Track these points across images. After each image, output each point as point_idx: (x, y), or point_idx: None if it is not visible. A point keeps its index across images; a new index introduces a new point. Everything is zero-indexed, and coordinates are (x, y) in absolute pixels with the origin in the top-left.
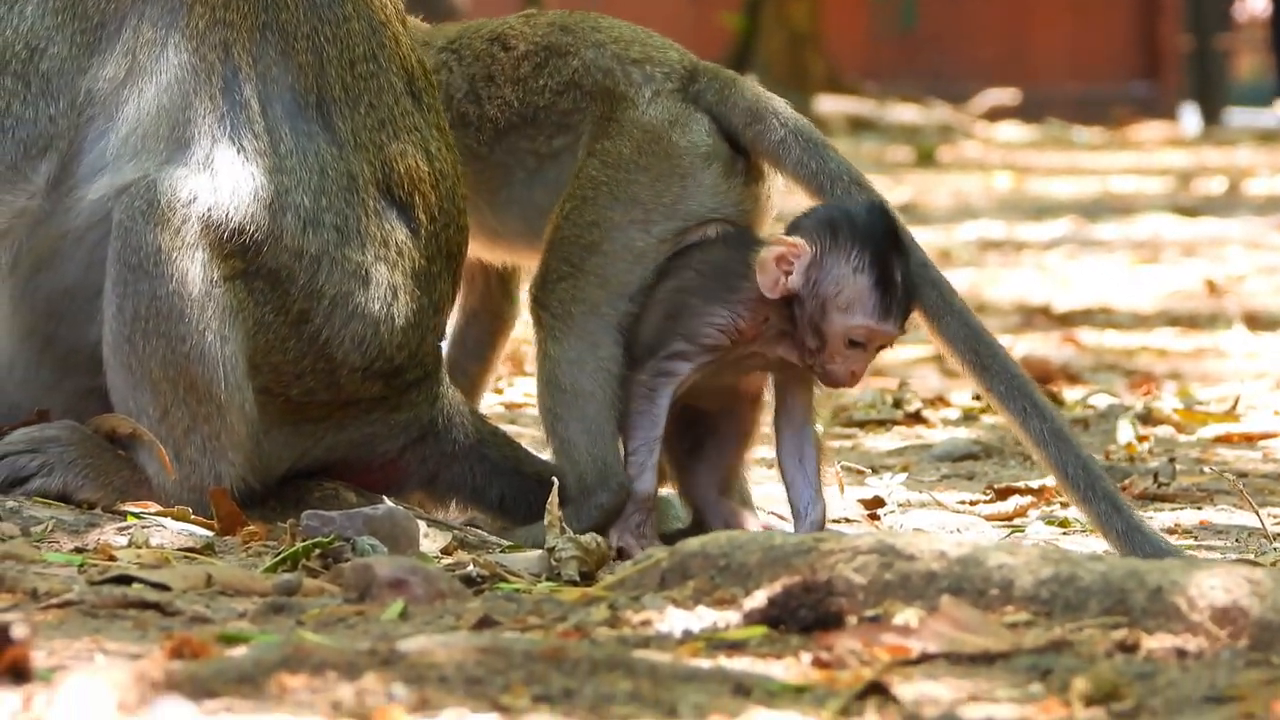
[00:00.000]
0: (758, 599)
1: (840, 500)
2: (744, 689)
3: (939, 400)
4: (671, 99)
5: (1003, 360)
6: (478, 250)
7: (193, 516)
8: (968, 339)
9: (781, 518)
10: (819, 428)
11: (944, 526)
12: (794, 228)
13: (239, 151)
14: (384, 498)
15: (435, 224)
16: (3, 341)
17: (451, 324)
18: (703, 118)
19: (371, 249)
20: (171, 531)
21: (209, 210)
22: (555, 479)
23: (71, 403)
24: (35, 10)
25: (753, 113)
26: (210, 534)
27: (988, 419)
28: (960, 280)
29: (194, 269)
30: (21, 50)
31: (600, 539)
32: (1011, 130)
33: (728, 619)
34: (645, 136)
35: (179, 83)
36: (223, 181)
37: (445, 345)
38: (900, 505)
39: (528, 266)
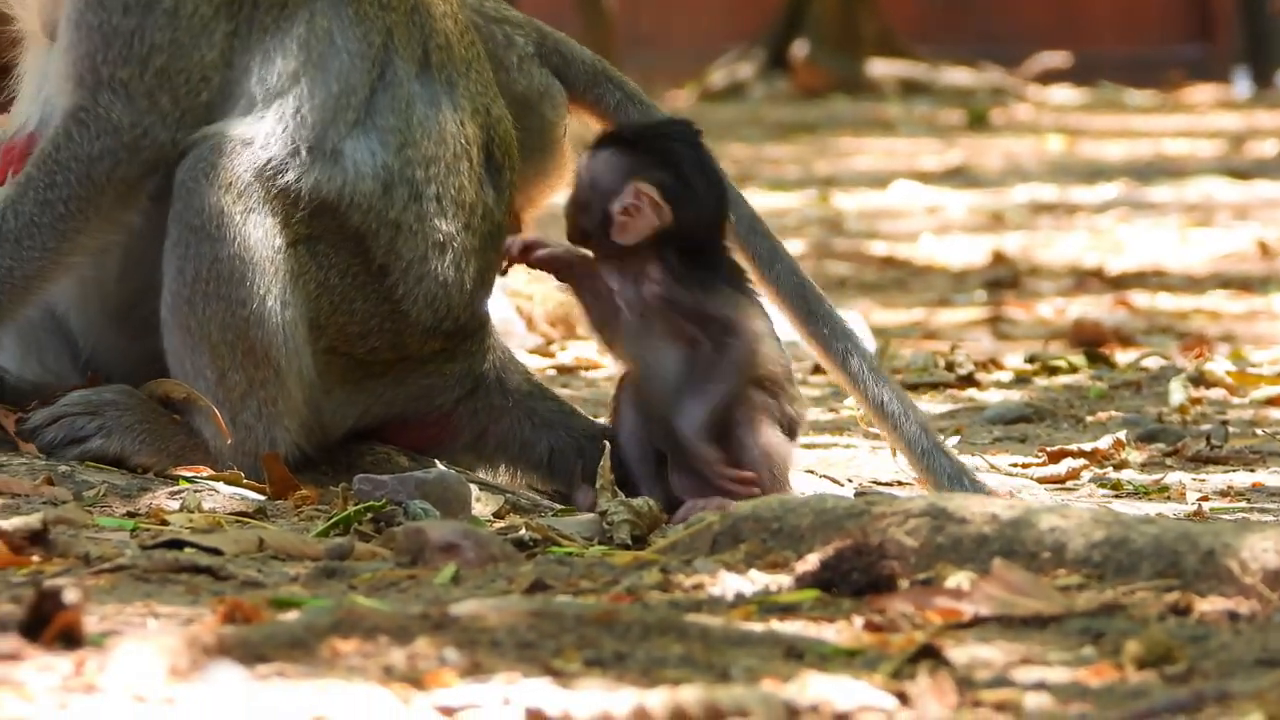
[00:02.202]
0: (809, 562)
1: (893, 464)
2: (796, 652)
3: (991, 363)
4: (535, 65)
5: (827, 308)
6: None
7: (245, 481)
8: (795, 287)
9: (835, 481)
10: None
11: (996, 489)
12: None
13: (373, 127)
14: (436, 461)
15: (511, 183)
16: (73, 296)
17: None
18: (559, 86)
19: (461, 216)
20: (223, 496)
21: (285, 177)
22: (607, 441)
23: (135, 366)
24: (223, 42)
25: (592, 76)
26: (262, 498)
27: (1040, 382)
28: (1012, 244)
29: (256, 233)
30: (197, 81)
31: (652, 502)
32: (1063, 93)
33: (780, 582)
34: (517, 109)
35: (346, 70)
36: (346, 160)
37: None
38: None
39: None
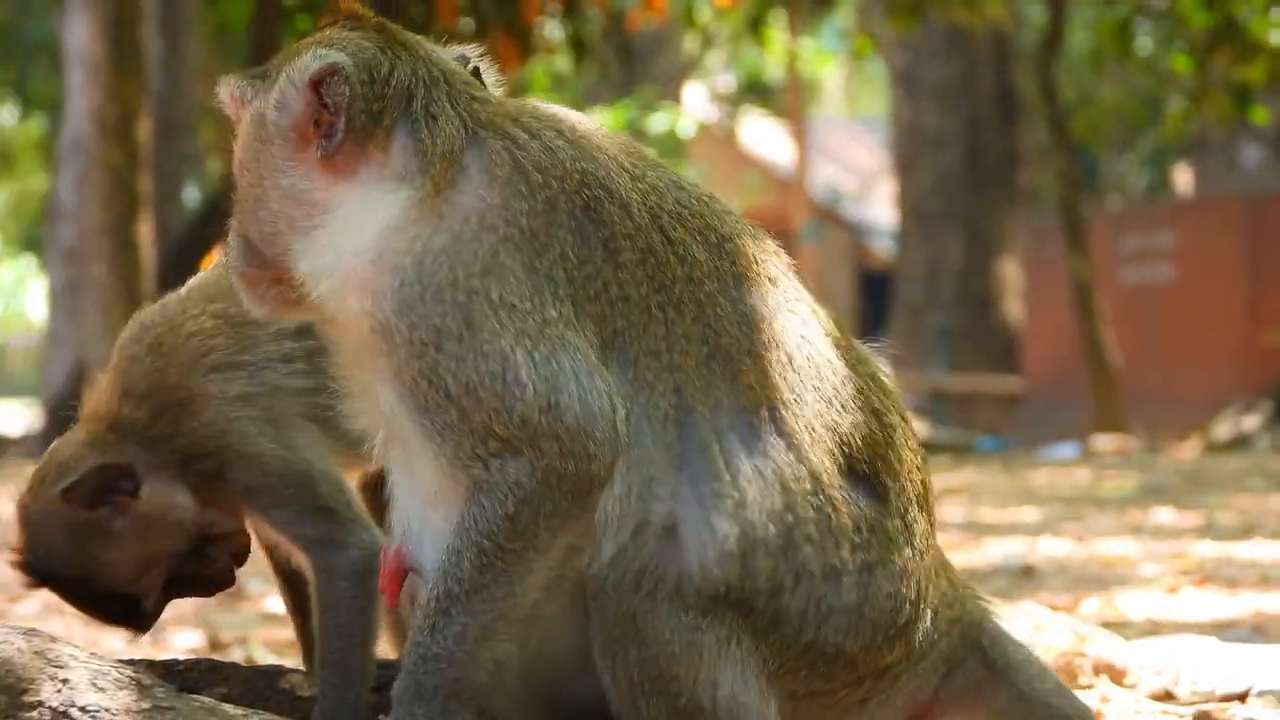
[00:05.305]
0: None
1: None
2: None
3: None
4: None
5: None
6: None
7: None
8: None
9: None
10: None
11: None
12: None
13: (700, 501)
14: None
15: (900, 479)
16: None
17: None
18: None
19: (844, 546)
20: None
21: (678, 573)
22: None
23: None
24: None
25: None
26: None
27: None
28: None
29: (670, 624)
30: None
31: None
32: None
33: None
34: None
35: (635, 444)
36: (688, 540)
37: None
38: None
39: None
